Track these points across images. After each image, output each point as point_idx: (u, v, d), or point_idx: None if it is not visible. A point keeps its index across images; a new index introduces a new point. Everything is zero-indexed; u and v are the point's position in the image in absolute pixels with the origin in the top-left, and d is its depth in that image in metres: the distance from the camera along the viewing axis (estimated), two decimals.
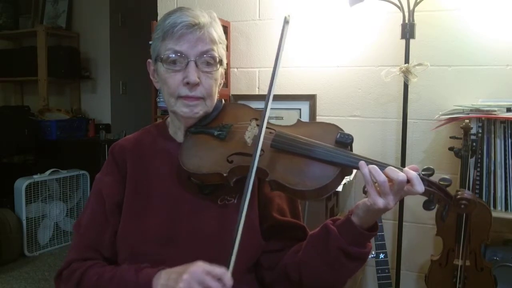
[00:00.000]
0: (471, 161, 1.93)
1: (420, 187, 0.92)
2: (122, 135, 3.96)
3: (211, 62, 1.09)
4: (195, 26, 1.06)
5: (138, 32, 4.11)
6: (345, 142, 1.02)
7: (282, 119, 2.45)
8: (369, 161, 0.96)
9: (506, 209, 1.95)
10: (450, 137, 2.03)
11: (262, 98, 2.44)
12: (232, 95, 2.58)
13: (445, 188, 0.95)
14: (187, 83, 1.07)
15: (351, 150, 1.02)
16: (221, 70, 1.14)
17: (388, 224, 2.32)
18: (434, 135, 2.24)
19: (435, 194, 0.94)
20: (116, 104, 4.85)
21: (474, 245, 1.92)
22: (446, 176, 0.96)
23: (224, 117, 1.16)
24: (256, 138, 1.00)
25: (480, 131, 1.97)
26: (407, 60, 2.08)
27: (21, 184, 3.51)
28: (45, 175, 3.67)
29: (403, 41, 2.09)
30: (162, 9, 2.71)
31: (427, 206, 0.95)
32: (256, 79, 2.57)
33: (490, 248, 2.08)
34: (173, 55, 1.07)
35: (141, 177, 1.15)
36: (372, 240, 1.93)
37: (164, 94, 1.13)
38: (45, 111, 4.38)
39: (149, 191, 1.13)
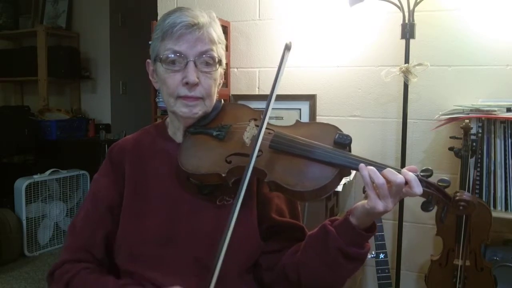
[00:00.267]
0: (471, 161, 1.93)
1: (418, 189, 0.92)
2: (122, 135, 3.96)
3: (210, 62, 1.09)
4: (194, 26, 1.06)
5: (138, 32, 4.11)
6: (343, 143, 1.01)
7: (282, 119, 2.45)
8: (367, 162, 0.96)
9: (506, 209, 1.95)
10: (450, 137, 2.02)
11: (262, 98, 2.44)
12: (232, 95, 2.58)
13: (443, 190, 0.94)
14: (186, 83, 1.07)
15: (350, 150, 1.02)
16: (220, 70, 1.14)
17: (388, 224, 2.32)
18: (434, 135, 2.24)
19: (434, 195, 0.94)
20: (116, 104, 4.85)
21: (474, 245, 1.92)
22: (445, 177, 0.95)
23: (223, 117, 1.16)
24: (255, 139, 1.00)
25: (480, 131, 1.97)
26: (407, 60, 2.08)
27: (21, 184, 3.50)
28: (45, 175, 3.67)
29: (403, 41, 2.09)
30: (162, 9, 2.71)
31: (425, 207, 0.94)
32: (256, 79, 2.57)
33: (490, 248, 2.08)
34: (172, 55, 1.07)
35: (140, 177, 1.15)
36: (372, 240, 1.93)
37: (163, 94, 1.13)
38: (45, 111, 4.38)
39: (148, 191, 1.13)
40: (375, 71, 2.32)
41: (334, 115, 2.42)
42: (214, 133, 1.11)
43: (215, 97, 1.15)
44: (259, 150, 1.00)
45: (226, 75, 2.53)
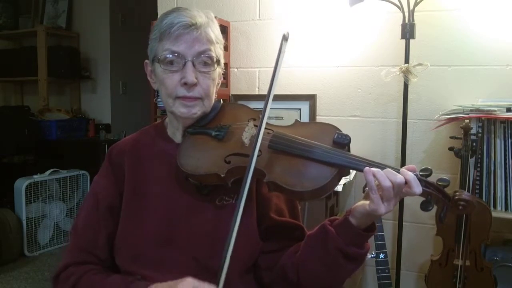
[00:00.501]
0: (471, 161, 1.93)
1: (418, 189, 0.91)
2: (122, 135, 3.96)
3: (209, 62, 1.09)
4: (192, 27, 1.05)
5: (138, 32, 4.09)
6: (342, 142, 1.01)
7: (282, 119, 2.45)
8: (366, 163, 0.96)
9: (506, 209, 1.95)
10: (450, 137, 2.02)
11: (262, 98, 2.43)
12: (232, 95, 2.58)
13: (443, 189, 0.94)
14: (185, 84, 1.07)
15: (349, 150, 1.02)
16: (218, 70, 1.14)
17: (388, 224, 2.32)
18: (434, 135, 2.24)
19: (433, 195, 0.93)
20: (116, 104, 4.85)
21: (474, 245, 1.92)
22: (445, 177, 0.95)
23: (222, 117, 1.16)
24: (254, 139, 1.00)
25: (480, 131, 1.97)
26: (407, 60, 2.08)
27: (21, 184, 3.50)
28: (45, 175, 3.67)
29: (403, 41, 2.08)
30: (162, 9, 2.71)
31: (424, 207, 0.94)
32: (256, 79, 2.57)
33: (490, 248, 2.08)
34: (170, 56, 1.07)
35: (140, 178, 1.15)
36: (372, 240, 1.93)
37: (162, 94, 1.13)
38: (45, 111, 4.38)
39: (148, 192, 1.13)
40: (375, 71, 2.31)
41: (334, 115, 2.42)
42: (213, 133, 1.10)
43: (213, 97, 1.15)
44: (259, 150, 0.99)
45: (226, 75, 2.53)
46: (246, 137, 1.08)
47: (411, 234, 2.30)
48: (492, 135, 1.97)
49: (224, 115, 1.16)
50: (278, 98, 2.39)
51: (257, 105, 2.35)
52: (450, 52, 2.19)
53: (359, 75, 2.36)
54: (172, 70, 1.08)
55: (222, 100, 1.21)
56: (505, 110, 1.94)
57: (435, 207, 0.96)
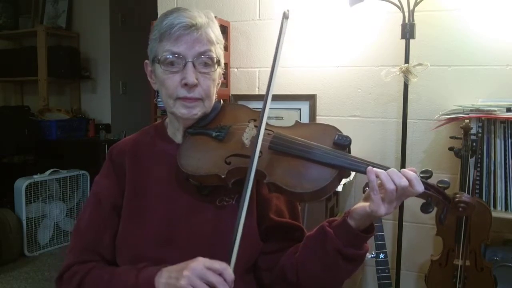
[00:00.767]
0: (471, 161, 1.93)
1: (420, 187, 0.91)
2: (122, 135, 3.96)
3: (209, 62, 1.09)
4: (193, 27, 1.05)
5: (138, 32, 4.09)
6: (343, 144, 1.01)
7: (282, 119, 2.45)
8: (366, 164, 0.96)
9: (506, 209, 1.95)
10: (450, 137, 2.02)
11: (262, 98, 2.43)
12: (232, 95, 2.58)
13: (443, 191, 0.94)
14: (185, 84, 1.07)
15: (349, 152, 1.02)
16: (219, 71, 1.14)
17: (388, 224, 2.32)
18: (434, 135, 2.24)
19: (433, 197, 0.94)
20: (116, 104, 4.85)
21: (474, 245, 1.92)
22: (445, 178, 0.95)
23: (222, 118, 1.15)
24: (254, 140, 1.00)
25: (480, 131, 1.97)
26: (407, 60, 2.08)
27: (21, 184, 3.51)
28: (45, 175, 3.67)
29: (403, 41, 2.08)
30: (162, 9, 2.71)
31: (425, 209, 0.94)
32: (256, 79, 2.57)
33: (490, 248, 2.08)
34: (171, 56, 1.06)
35: (140, 179, 1.15)
36: (372, 240, 1.93)
37: (162, 95, 1.13)
38: (45, 111, 4.38)
39: (148, 192, 1.13)
40: (375, 71, 2.31)
41: (334, 115, 2.42)
42: (214, 134, 1.10)
43: (214, 97, 1.15)
44: (259, 151, 0.99)
45: (226, 75, 2.53)
46: (246, 138, 1.08)
47: (411, 234, 2.31)
48: (492, 135, 1.97)
49: (225, 116, 1.16)
50: (278, 98, 2.39)
51: (257, 105, 2.35)
52: (450, 52, 2.18)
53: (359, 75, 2.36)
54: (172, 71, 1.08)
55: (222, 100, 1.21)
56: (505, 110, 1.94)
57: (435, 209, 0.96)
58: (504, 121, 1.94)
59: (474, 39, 2.14)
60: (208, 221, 1.09)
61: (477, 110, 1.96)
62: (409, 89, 2.12)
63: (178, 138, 1.17)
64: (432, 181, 0.96)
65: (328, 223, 1.03)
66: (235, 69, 2.60)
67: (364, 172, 0.95)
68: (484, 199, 1.97)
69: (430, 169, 0.95)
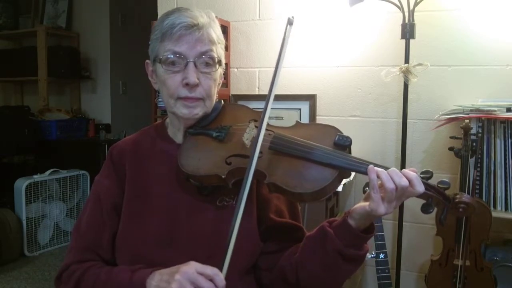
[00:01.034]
0: (471, 161, 1.93)
1: (420, 187, 0.91)
2: (122, 135, 3.96)
3: (210, 62, 1.09)
4: (194, 27, 1.05)
5: (138, 32, 4.11)
6: (343, 144, 1.01)
7: (282, 119, 2.45)
8: (367, 164, 0.95)
9: (506, 209, 1.95)
10: (450, 137, 2.02)
11: (262, 98, 2.44)
12: (232, 95, 2.58)
13: (443, 191, 0.95)
14: (187, 84, 1.07)
15: (350, 152, 1.02)
16: (220, 71, 1.14)
17: (388, 224, 2.32)
18: (434, 135, 2.24)
19: (434, 197, 0.94)
20: (116, 104, 4.85)
21: (474, 245, 1.92)
22: (445, 178, 0.96)
23: (223, 118, 1.16)
24: (254, 141, 1.00)
25: (480, 131, 1.97)
26: (407, 60, 2.08)
27: (21, 184, 3.51)
28: (45, 175, 3.67)
29: (403, 41, 2.09)
30: (162, 9, 2.71)
31: (425, 209, 0.94)
32: (256, 79, 2.57)
33: (490, 248, 2.08)
34: (172, 56, 1.07)
35: (140, 179, 1.15)
36: (372, 240, 1.93)
37: (163, 95, 1.13)
38: (45, 111, 4.38)
39: (148, 192, 1.13)
40: (375, 71, 2.32)
41: (334, 115, 2.42)
42: (214, 134, 1.10)
43: (215, 97, 1.15)
44: (259, 152, 0.99)
45: (226, 75, 2.53)
46: (247, 138, 1.08)
47: (411, 234, 2.31)
48: (492, 135, 1.97)
49: (225, 116, 1.16)
50: (278, 98, 2.37)
51: (257, 105, 2.35)
52: (450, 52, 2.19)
53: (359, 75, 2.36)
54: (174, 71, 1.08)
55: (223, 100, 1.21)
56: (505, 110, 1.94)
57: (435, 210, 0.96)
58: (504, 121, 1.95)
59: (474, 39, 2.14)
60: (209, 221, 1.09)
61: (477, 110, 1.96)
62: (409, 89, 2.13)
63: (178, 138, 1.17)
64: (432, 181, 0.96)
65: (328, 223, 1.03)
66: (235, 69, 2.60)
67: (365, 173, 0.95)
68: (484, 199, 1.97)
69: (430, 170, 0.95)
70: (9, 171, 3.97)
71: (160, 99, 2.34)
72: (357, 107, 2.38)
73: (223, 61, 1.14)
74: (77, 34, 4.81)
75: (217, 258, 0.94)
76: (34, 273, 3.28)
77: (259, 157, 0.99)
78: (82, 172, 3.92)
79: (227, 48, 2.53)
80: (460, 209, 0.93)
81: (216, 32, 1.11)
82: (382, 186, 0.92)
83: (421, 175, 0.94)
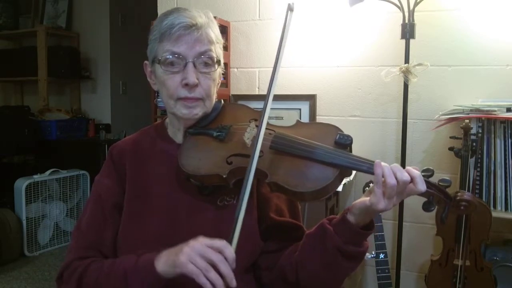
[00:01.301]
0: (471, 161, 1.93)
1: (422, 185, 0.92)
2: (122, 135, 3.96)
3: (209, 62, 1.09)
4: (193, 27, 1.05)
5: (138, 32, 4.09)
6: (344, 143, 1.01)
7: (282, 119, 2.45)
8: (368, 163, 0.96)
9: (506, 209, 1.95)
10: (450, 137, 2.03)
11: (262, 98, 2.43)
12: (232, 95, 2.58)
13: (444, 189, 0.95)
14: (186, 85, 1.07)
15: (351, 151, 1.02)
16: (219, 70, 1.14)
17: (388, 224, 2.32)
18: (434, 135, 2.24)
19: (435, 195, 0.94)
20: (116, 104, 4.85)
21: (474, 245, 1.92)
22: (446, 177, 0.95)
23: (223, 118, 1.15)
24: (255, 139, 1.00)
25: (480, 131, 1.97)
26: (407, 60, 2.08)
27: (21, 184, 3.51)
28: (45, 175, 3.67)
29: (403, 41, 2.09)
30: (162, 9, 2.71)
31: (426, 207, 0.94)
32: (256, 79, 2.57)
33: (490, 248, 2.08)
34: (171, 57, 1.06)
35: (140, 179, 1.15)
36: (372, 240, 1.93)
37: (162, 96, 1.13)
38: (45, 111, 4.38)
39: (149, 192, 1.13)
40: (375, 71, 2.32)
41: (334, 115, 2.43)
42: (215, 134, 1.10)
43: (214, 97, 1.15)
44: (260, 151, 0.99)
45: (226, 75, 2.53)
46: (247, 138, 1.08)
47: (411, 234, 2.31)
48: (492, 135, 1.97)
49: (225, 116, 1.16)
50: (278, 98, 2.39)
51: (257, 105, 2.35)
52: (450, 52, 2.19)
53: (359, 75, 2.36)
54: (173, 71, 1.08)
55: (223, 100, 1.21)
56: (505, 110, 1.94)
57: (436, 208, 0.96)
58: (504, 121, 1.95)
59: (474, 39, 2.14)
60: (209, 221, 1.09)
61: (477, 110, 1.96)
62: (409, 89, 2.13)
63: (178, 138, 1.17)
64: (433, 180, 0.96)
65: (328, 221, 1.03)
66: (235, 69, 2.60)
67: (366, 171, 0.95)
68: (484, 199, 1.96)
69: (431, 168, 0.96)
70: (9, 171, 3.97)
71: (159, 99, 2.35)
72: (357, 107, 2.38)
73: (222, 61, 1.14)
74: (77, 34, 4.81)
75: None
76: (34, 273, 3.28)
77: (260, 157, 0.99)
78: (82, 172, 3.92)
79: (226, 48, 2.53)
80: (462, 207, 0.93)
81: (214, 32, 1.11)
82: (384, 181, 0.92)
83: (422, 173, 0.94)
